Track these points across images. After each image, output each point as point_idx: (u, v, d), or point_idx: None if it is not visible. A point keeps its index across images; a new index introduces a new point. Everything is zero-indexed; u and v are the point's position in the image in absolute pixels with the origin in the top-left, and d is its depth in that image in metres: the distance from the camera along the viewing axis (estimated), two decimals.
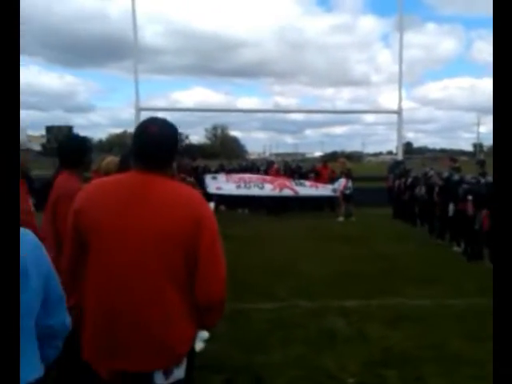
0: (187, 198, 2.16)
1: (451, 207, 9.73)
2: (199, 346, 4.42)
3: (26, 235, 1.68)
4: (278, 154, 72.38)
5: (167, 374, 2.13)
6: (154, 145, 2.13)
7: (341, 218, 14.53)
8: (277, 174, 16.40)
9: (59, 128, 21.86)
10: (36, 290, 1.65)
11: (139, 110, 19.04)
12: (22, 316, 1.56)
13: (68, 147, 3.61)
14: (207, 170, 16.63)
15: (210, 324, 2.31)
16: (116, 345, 2.09)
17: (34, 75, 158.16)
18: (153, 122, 2.19)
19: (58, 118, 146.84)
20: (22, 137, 4.47)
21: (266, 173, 16.69)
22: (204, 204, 2.20)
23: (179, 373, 2.17)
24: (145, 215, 2.06)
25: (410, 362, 4.51)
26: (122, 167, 5.40)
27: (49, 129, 21.63)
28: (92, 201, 2.14)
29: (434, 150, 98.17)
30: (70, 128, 22.56)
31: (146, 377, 2.11)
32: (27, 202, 4.17)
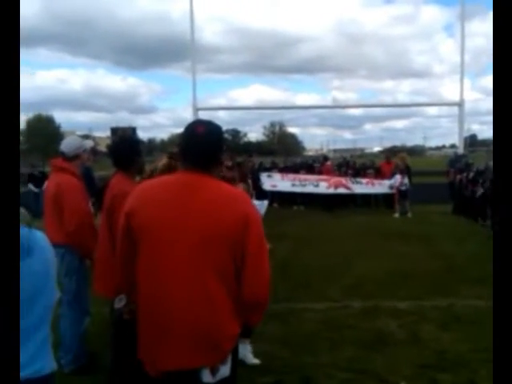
0: (234, 199, 2.21)
1: None
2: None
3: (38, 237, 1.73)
4: (336, 150, 71.73)
5: (214, 371, 2.18)
6: (201, 145, 2.20)
7: (396, 215, 14.27)
8: (329, 171, 16.19)
9: (123, 129, 22.57)
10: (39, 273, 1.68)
11: (197, 109, 19.41)
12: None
13: (118, 149, 3.76)
14: (262, 168, 16.70)
15: (253, 323, 2.36)
16: (164, 342, 2.16)
17: (100, 78, 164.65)
18: (199, 123, 2.29)
19: (123, 119, 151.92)
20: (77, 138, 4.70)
21: (320, 171, 16.51)
22: (250, 205, 2.25)
23: (225, 370, 2.22)
24: (193, 215, 2.13)
25: (465, 366, 4.36)
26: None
27: (114, 130, 22.32)
28: (142, 201, 2.23)
29: None
30: (133, 129, 23.21)
31: (193, 374, 2.17)
32: (86, 203, 4.39)
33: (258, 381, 4.17)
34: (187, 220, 2.13)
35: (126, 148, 3.73)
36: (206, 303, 2.12)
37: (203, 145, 2.20)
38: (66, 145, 4.38)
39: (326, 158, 18.60)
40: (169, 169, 3.72)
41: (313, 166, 17.68)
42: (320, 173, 16.19)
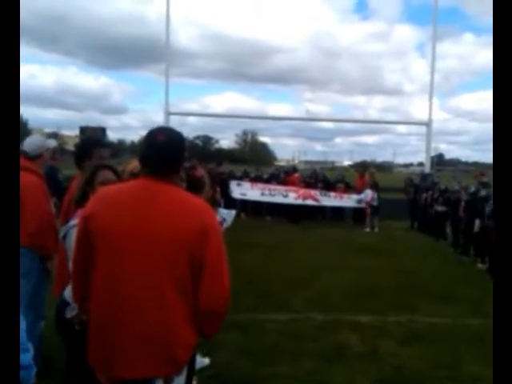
0: (194, 207, 2.19)
1: (477, 223, 9.53)
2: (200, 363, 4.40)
3: None
4: (307, 162, 72.25)
5: (168, 382, 2.13)
6: (161, 153, 2.17)
7: (367, 229, 14.45)
8: (295, 183, 16.04)
9: (93, 129, 22.18)
10: None
11: (168, 113, 19.27)
12: None
13: (74, 152, 3.67)
14: (232, 176, 16.63)
15: (210, 332, 2.29)
16: (116, 350, 2.11)
17: (72, 76, 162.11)
18: (160, 131, 2.24)
19: (93, 118, 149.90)
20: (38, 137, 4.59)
21: (286, 181, 16.39)
22: (210, 214, 2.22)
23: (179, 381, 2.17)
24: (151, 222, 2.10)
25: (422, 382, 4.42)
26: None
27: (82, 129, 21.86)
28: (101, 207, 2.19)
29: (466, 163, 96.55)
30: (103, 129, 22.88)
31: None
32: (48, 204, 4.28)
33: None
34: (144, 227, 2.09)
35: (77, 151, 3.64)
36: (159, 311, 2.07)
37: (163, 153, 2.17)
38: (28, 144, 4.26)
39: (294, 169, 18.57)
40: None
41: (279, 176, 17.46)
42: (285, 183, 16.07)
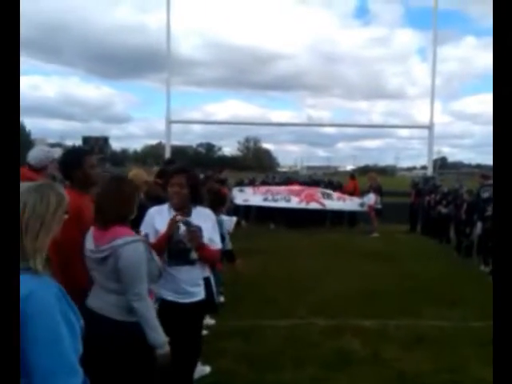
0: None
1: (479, 225, 9.50)
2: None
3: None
4: (309, 167, 72.16)
5: None
6: None
7: (375, 234, 14.27)
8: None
9: (96, 139, 22.29)
10: None
11: (170, 122, 19.33)
12: None
13: (62, 161, 3.55)
14: (240, 184, 16.65)
15: None
16: None
17: (73, 86, 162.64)
18: None
19: (96, 128, 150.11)
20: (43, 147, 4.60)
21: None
22: None
23: None
24: None
25: None
26: (160, 178, 5.50)
27: (85, 139, 21.95)
28: None
29: (469, 166, 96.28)
30: (105, 139, 22.97)
31: None
32: None
33: None
34: None
35: (66, 160, 3.50)
36: None
37: None
38: (33, 157, 4.30)
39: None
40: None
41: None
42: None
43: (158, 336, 2.69)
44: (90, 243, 2.81)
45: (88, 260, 2.82)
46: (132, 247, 2.67)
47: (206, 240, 3.32)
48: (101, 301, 2.76)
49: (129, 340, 2.69)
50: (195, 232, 3.23)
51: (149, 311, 2.69)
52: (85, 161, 3.36)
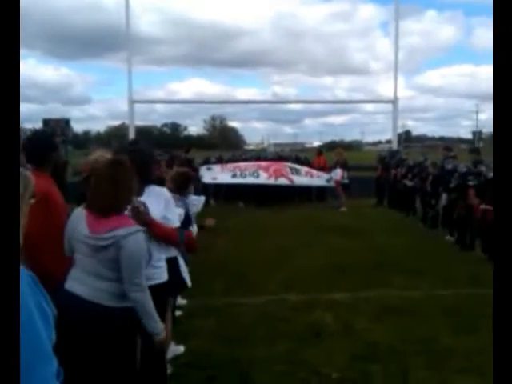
0: None
1: (444, 197, 9.68)
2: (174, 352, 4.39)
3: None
4: (276, 144, 72.08)
5: None
6: None
7: (344, 209, 14.38)
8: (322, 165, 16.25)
9: (56, 121, 21.60)
10: None
11: (132, 101, 18.92)
12: None
13: (31, 144, 3.36)
14: (207, 162, 16.48)
15: None
16: None
17: (31, 68, 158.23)
18: None
19: (56, 110, 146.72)
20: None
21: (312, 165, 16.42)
22: None
23: None
24: None
25: (396, 356, 4.46)
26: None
27: (46, 121, 21.21)
28: None
29: (433, 138, 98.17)
30: (67, 121, 22.39)
31: None
32: None
33: (192, 376, 4.11)
34: None
35: (38, 143, 3.38)
36: None
37: None
38: None
39: (320, 152, 18.38)
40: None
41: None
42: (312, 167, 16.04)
43: (156, 324, 2.73)
44: (83, 228, 2.68)
45: (78, 244, 2.71)
46: (134, 238, 2.61)
47: (158, 218, 3.20)
48: (88, 287, 2.66)
49: (116, 325, 2.65)
50: (138, 208, 3.03)
51: (148, 301, 2.68)
52: (54, 156, 3.26)
